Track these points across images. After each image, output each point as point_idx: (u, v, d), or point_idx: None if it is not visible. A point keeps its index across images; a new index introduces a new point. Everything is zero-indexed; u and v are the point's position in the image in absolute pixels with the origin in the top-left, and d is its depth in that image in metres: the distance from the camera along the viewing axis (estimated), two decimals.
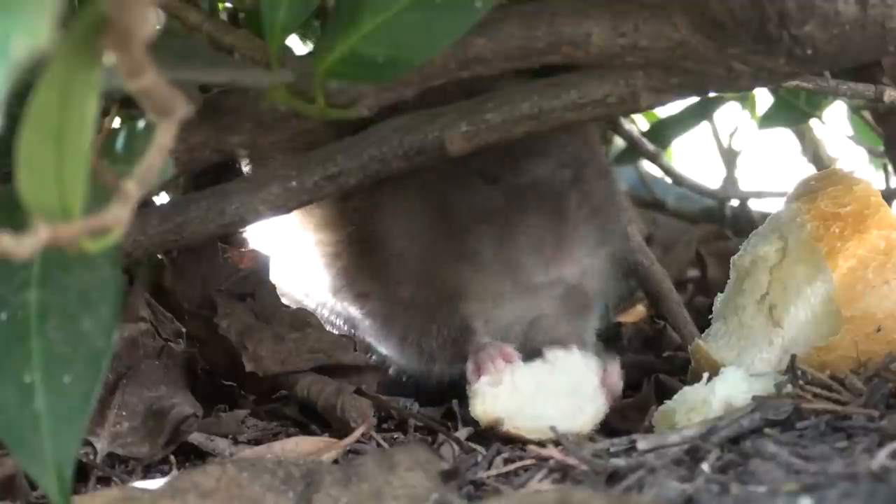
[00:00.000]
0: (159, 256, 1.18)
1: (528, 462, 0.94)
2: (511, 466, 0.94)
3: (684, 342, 1.24)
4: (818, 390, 0.98)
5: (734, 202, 1.87)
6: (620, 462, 0.87)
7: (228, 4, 1.27)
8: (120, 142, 0.75)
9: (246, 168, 1.15)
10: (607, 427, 1.06)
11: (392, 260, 1.12)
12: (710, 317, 1.15)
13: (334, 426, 1.09)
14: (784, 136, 1.81)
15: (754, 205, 1.86)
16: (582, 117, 1.00)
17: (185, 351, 1.14)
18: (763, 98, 1.68)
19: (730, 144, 1.87)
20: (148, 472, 1.01)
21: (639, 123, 1.76)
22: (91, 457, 1.00)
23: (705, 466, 0.83)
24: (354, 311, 1.19)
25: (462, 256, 1.08)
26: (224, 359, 1.15)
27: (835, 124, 1.59)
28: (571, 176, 1.07)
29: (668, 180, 1.78)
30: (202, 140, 1.05)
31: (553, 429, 0.97)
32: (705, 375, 1.01)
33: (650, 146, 1.68)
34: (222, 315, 1.14)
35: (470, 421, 1.05)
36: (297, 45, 1.46)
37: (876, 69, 1.17)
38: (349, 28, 0.90)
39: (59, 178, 0.61)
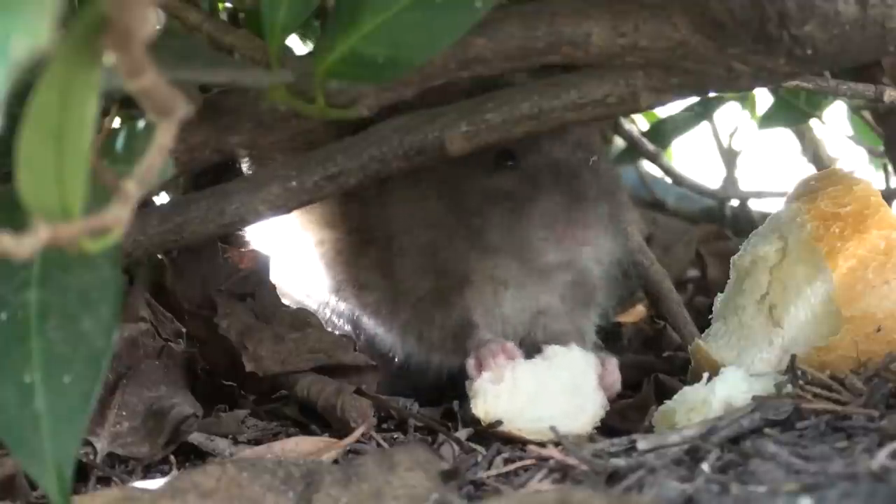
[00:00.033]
0: (159, 256, 1.18)
1: (528, 462, 0.94)
2: (511, 466, 0.94)
3: (684, 342, 1.25)
4: (818, 390, 0.98)
5: (734, 202, 1.87)
6: (620, 462, 0.87)
7: (228, 4, 1.27)
8: (120, 142, 0.75)
9: (246, 168, 1.15)
10: (607, 427, 1.06)
11: (397, 248, 1.12)
12: (710, 317, 1.15)
13: (334, 426, 1.09)
14: (784, 136, 1.82)
15: (754, 205, 1.87)
16: (582, 117, 1.00)
17: (185, 351, 1.14)
18: (763, 98, 1.68)
19: (730, 144, 1.87)
20: (148, 472, 1.01)
21: (639, 123, 1.76)
22: (91, 457, 1.00)
23: (705, 466, 0.83)
24: (356, 303, 1.19)
25: (470, 241, 1.09)
26: (224, 359, 1.15)
27: (835, 124, 1.59)
28: (585, 158, 1.08)
29: (668, 180, 1.79)
30: (202, 140, 1.05)
31: (553, 429, 0.97)
32: (705, 375, 1.01)
33: (650, 146, 1.68)
34: (222, 315, 1.14)
35: (470, 421, 1.05)
36: (297, 45, 1.46)
37: (876, 69, 1.17)
38: (349, 28, 0.90)
39: (59, 178, 0.61)
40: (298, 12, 0.93)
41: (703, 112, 1.71)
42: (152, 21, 0.56)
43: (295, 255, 1.22)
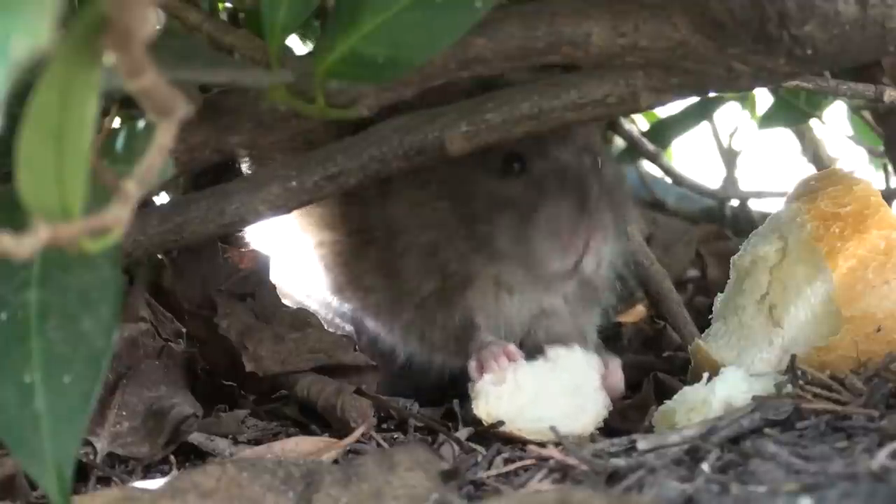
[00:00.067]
0: (159, 256, 1.18)
1: (528, 462, 0.94)
2: (511, 466, 0.94)
3: (684, 342, 1.24)
4: (818, 390, 0.98)
5: (734, 202, 1.87)
6: (620, 462, 0.87)
7: (228, 4, 1.27)
8: (120, 142, 0.75)
9: (246, 168, 1.14)
10: (607, 427, 1.06)
11: (400, 248, 1.12)
12: (710, 317, 1.15)
13: (334, 426, 1.09)
14: (784, 136, 1.82)
15: (754, 205, 1.87)
16: (582, 117, 1.00)
17: (185, 351, 1.14)
18: (763, 98, 1.68)
19: (730, 144, 1.87)
20: (148, 472, 1.01)
21: (639, 123, 1.76)
22: (91, 457, 1.00)
23: (705, 466, 0.83)
24: (357, 305, 1.19)
25: (475, 245, 1.08)
26: (224, 359, 1.15)
27: (835, 124, 1.59)
28: (591, 163, 1.08)
29: (668, 180, 1.79)
30: (202, 140, 1.05)
31: (554, 429, 0.97)
32: (705, 375, 1.01)
33: (650, 146, 1.68)
34: (222, 315, 1.14)
35: (470, 421, 1.05)
36: (297, 45, 1.46)
37: (876, 69, 1.17)
38: (349, 28, 0.90)
39: (59, 178, 0.61)
40: (298, 12, 0.93)
41: (703, 112, 1.71)
42: (152, 21, 0.56)
43: (295, 255, 1.22)
